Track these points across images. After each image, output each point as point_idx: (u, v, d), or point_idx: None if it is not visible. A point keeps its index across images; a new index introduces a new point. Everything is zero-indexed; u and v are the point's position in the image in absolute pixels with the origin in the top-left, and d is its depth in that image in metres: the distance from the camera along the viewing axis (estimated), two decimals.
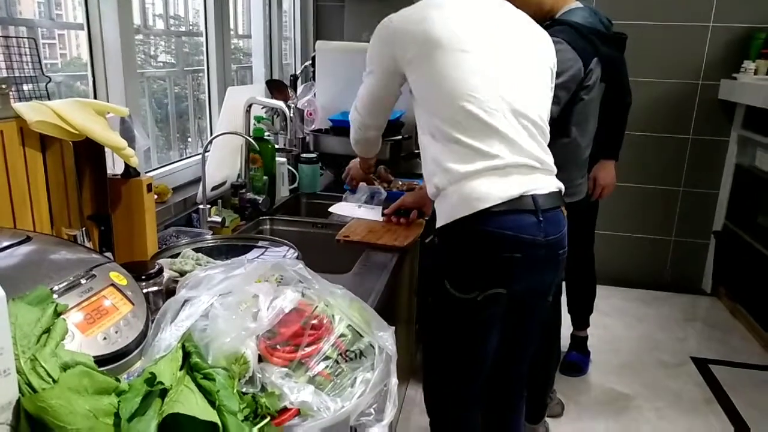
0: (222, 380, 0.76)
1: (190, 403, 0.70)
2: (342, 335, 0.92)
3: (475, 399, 1.55)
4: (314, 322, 0.89)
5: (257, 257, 1.31)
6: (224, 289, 0.85)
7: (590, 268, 2.76)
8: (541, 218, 1.32)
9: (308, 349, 0.88)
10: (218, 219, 1.67)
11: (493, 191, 1.29)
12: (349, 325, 0.93)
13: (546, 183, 1.37)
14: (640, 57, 3.27)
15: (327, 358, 0.89)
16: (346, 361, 0.91)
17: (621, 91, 2.25)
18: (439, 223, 1.38)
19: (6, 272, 0.69)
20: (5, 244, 0.82)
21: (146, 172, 1.79)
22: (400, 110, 2.32)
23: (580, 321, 2.81)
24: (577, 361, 2.82)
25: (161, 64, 2.15)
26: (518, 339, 1.53)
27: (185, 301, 0.86)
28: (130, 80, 1.58)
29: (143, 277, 1.06)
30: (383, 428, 0.84)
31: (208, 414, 0.70)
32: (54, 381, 0.65)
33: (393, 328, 0.97)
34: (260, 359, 0.86)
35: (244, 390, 0.83)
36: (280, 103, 1.82)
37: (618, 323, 3.34)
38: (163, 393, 0.71)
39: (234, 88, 1.88)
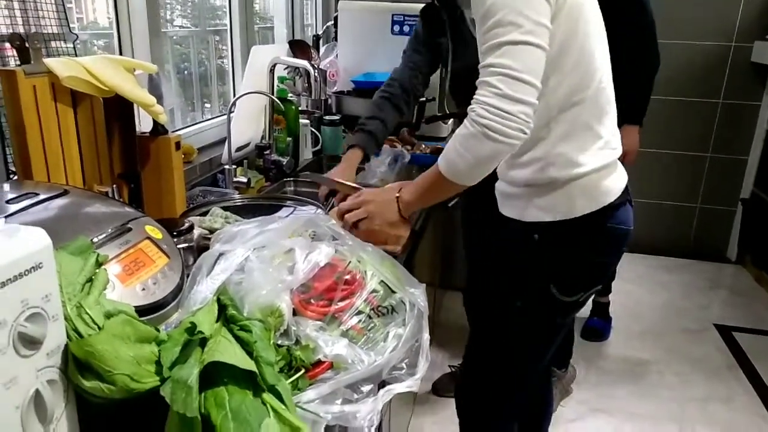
0: (258, 332, 0.77)
1: (229, 352, 0.71)
2: (374, 291, 0.92)
3: (523, 408, 1.47)
4: (347, 277, 0.89)
5: (287, 216, 1.31)
6: (259, 243, 0.85)
7: None
8: (632, 205, 1.23)
9: (341, 304, 0.88)
10: (244, 179, 1.67)
11: (614, 183, 1.18)
12: (381, 281, 0.93)
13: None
14: (670, 19, 3.17)
15: (360, 312, 0.90)
16: (378, 316, 0.91)
17: (647, 53, 2.19)
18: (538, 218, 1.19)
19: (46, 223, 0.69)
20: (44, 196, 0.83)
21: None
22: None
23: (605, 287, 2.80)
24: (599, 326, 2.82)
25: (177, 28, 2.13)
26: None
27: (220, 255, 0.87)
28: (155, 39, 1.57)
29: (174, 233, 1.07)
30: (416, 382, 0.85)
31: (246, 363, 0.71)
32: (99, 328, 0.66)
33: (424, 285, 0.97)
34: (294, 313, 0.87)
35: (279, 342, 0.84)
36: (304, 63, 1.80)
37: (641, 290, 3.33)
38: (203, 342, 0.72)
39: (258, 47, 1.86)
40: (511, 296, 1.28)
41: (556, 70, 1.08)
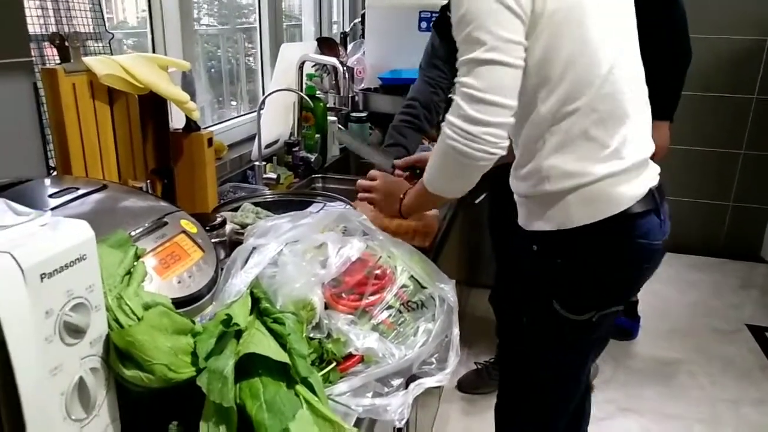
0: (292, 324, 0.78)
1: (264, 344, 0.72)
2: (404, 286, 0.93)
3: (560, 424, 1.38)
4: (377, 272, 0.90)
5: (318, 211, 1.33)
6: (292, 237, 0.87)
7: None
8: (662, 216, 1.13)
9: (372, 298, 0.89)
10: (273, 175, 1.69)
11: (622, 193, 1.09)
12: (411, 276, 0.94)
13: (655, 169, 1.17)
14: (702, 12, 3.11)
15: (390, 307, 0.91)
16: (408, 311, 0.92)
17: (678, 47, 2.15)
18: (538, 227, 1.15)
19: (87, 217, 0.71)
20: (84, 191, 0.86)
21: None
22: None
23: None
24: (626, 325, 2.79)
25: (204, 27, 2.16)
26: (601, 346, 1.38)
27: (253, 249, 0.88)
28: (187, 37, 1.60)
29: (207, 227, 1.09)
30: (446, 376, 0.86)
31: (280, 355, 0.72)
32: (138, 319, 0.68)
33: (454, 281, 0.98)
34: (326, 306, 0.88)
35: (311, 336, 0.85)
36: (333, 60, 1.81)
37: (669, 289, 3.27)
38: (238, 334, 0.73)
39: (288, 44, 1.88)
40: (520, 310, 1.27)
41: (543, 82, 1.05)
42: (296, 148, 1.89)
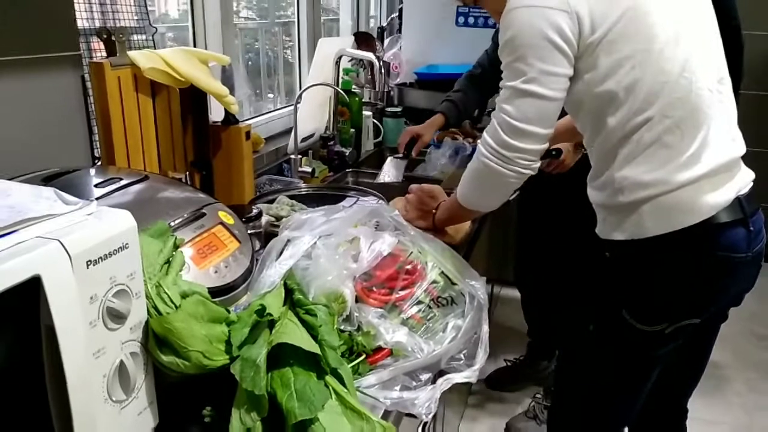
0: (323, 316, 0.80)
1: (295, 334, 0.74)
2: (434, 281, 0.94)
3: None
4: (408, 267, 0.91)
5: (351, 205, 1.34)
6: (325, 231, 0.88)
7: None
8: (751, 227, 1.08)
9: (402, 293, 0.90)
10: (308, 169, 1.72)
11: (702, 201, 1.05)
12: (442, 273, 0.94)
13: (746, 176, 1.12)
14: (756, 5, 3.01)
15: (420, 302, 0.92)
16: (438, 306, 0.93)
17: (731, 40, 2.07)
18: (614, 236, 1.13)
19: (129, 206, 0.74)
20: (127, 181, 0.89)
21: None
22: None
23: None
24: None
25: (242, 20, 2.20)
26: (692, 366, 1.35)
27: (288, 241, 0.90)
28: (227, 31, 1.63)
29: (243, 219, 1.12)
30: (474, 372, 0.86)
31: (311, 345, 0.74)
32: (176, 306, 0.70)
33: (484, 278, 0.98)
34: (357, 300, 0.90)
35: (341, 328, 0.87)
36: (369, 55, 1.82)
37: None
38: (271, 324, 0.75)
39: (325, 39, 1.90)
40: (583, 320, 1.25)
41: (610, 99, 1.05)
42: (331, 142, 1.91)
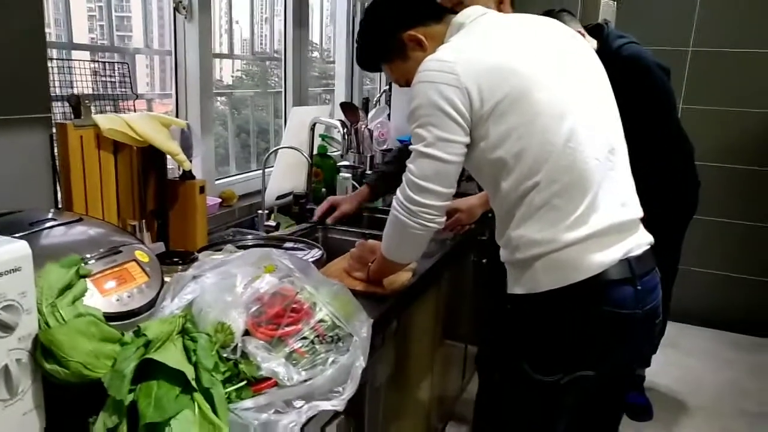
0: (203, 342, 0.92)
1: (168, 353, 0.86)
2: (321, 320, 1.05)
3: None
4: (295, 306, 1.03)
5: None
6: (220, 271, 1.02)
7: (665, 306, 2.63)
8: (639, 286, 1.17)
9: (287, 329, 1.01)
10: (273, 223, 1.87)
11: (588, 260, 1.14)
12: (329, 314, 1.05)
13: (639, 239, 1.21)
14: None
15: (304, 338, 1.02)
16: (322, 343, 1.03)
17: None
18: (515, 290, 1.23)
19: (55, 241, 0.89)
20: (62, 221, 1.05)
21: (219, 179, 2.04)
22: None
23: (643, 359, 2.67)
24: (642, 402, 2.68)
25: (240, 75, 2.42)
26: (601, 420, 1.40)
27: (193, 278, 1.04)
28: (206, 100, 1.84)
29: (179, 261, 1.27)
30: (341, 402, 0.96)
31: (180, 364, 0.85)
32: (66, 323, 0.84)
33: (371, 320, 1.09)
34: (247, 333, 1.01)
35: (228, 356, 0.98)
36: (336, 122, 2.00)
37: (702, 366, 3.14)
38: (147, 344, 0.87)
39: (298, 108, 2.10)
40: (489, 369, 1.34)
41: (502, 165, 1.17)
42: (303, 200, 2.07)
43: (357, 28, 1.48)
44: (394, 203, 1.26)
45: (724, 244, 3.40)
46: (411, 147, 1.22)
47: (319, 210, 1.95)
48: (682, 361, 3.15)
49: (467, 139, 1.18)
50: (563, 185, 1.15)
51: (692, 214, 2.41)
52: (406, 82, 1.35)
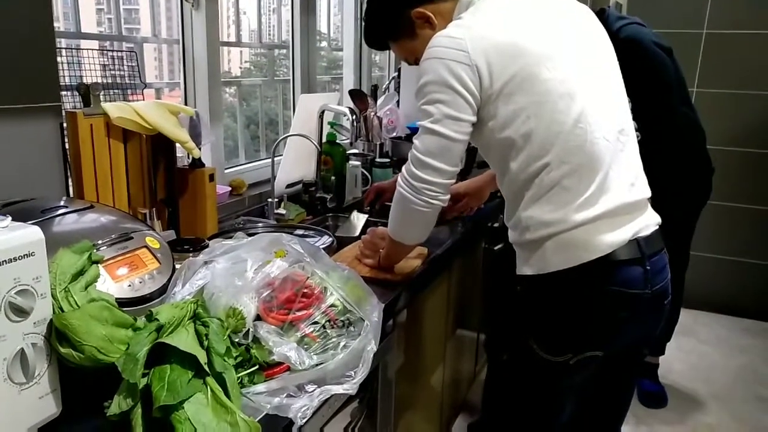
0: (215, 327, 0.92)
1: (180, 338, 0.86)
2: (332, 305, 1.05)
3: None
4: (305, 290, 1.03)
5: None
6: (231, 256, 1.02)
7: (678, 293, 2.62)
8: (648, 266, 1.17)
9: (299, 314, 1.02)
10: (283, 212, 1.87)
11: (598, 240, 1.14)
12: (340, 298, 1.06)
13: (648, 220, 1.21)
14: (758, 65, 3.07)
15: (316, 322, 1.02)
16: (334, 327, 1.03)
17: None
18: (524, 271, 1.23)
19: (67, 227, 0.90)
20: (73, 208, 1.05)
21: (230, 168, 2.05)
22: None
23: (657, 346, 2.66)
24: (656, 390, 2.68)
25: (249, 66, 2.42)
26: (610, 402, 1.40)
27: (204, 263, 1.04)
28: (214, 89, 1.83)
29: (189, 248, 1.27)
30: (353, 386, 0.96)
31: (193, 348, 0.86)
32: (79, 308, 0.85)
33: (383, 304, 1.09)
34: (259, 318, 1.02)
35: (240, 341, 0.99)
36: (345, 109, 1.99)
37: (716, 352, 3.13)
38: (160, 328, 0.88)
39: (306, 95, 2.09)
40: (498, 350, 1.34)
41: (510, 145, 1.17)
42: (313, 188, 2.06)
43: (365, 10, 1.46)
44: (399, 180, 1.24)
45: (735, 229, 3.37)
46: (418, 123, 1.21)
47: (366, 197, 1.98)
48: (696, 348, 3.14)
49: (474, 118, 1.17)
50: (573, 166, 1.14)
51: (705, 201, 2.39)
52: (415, 61, 1.34)
